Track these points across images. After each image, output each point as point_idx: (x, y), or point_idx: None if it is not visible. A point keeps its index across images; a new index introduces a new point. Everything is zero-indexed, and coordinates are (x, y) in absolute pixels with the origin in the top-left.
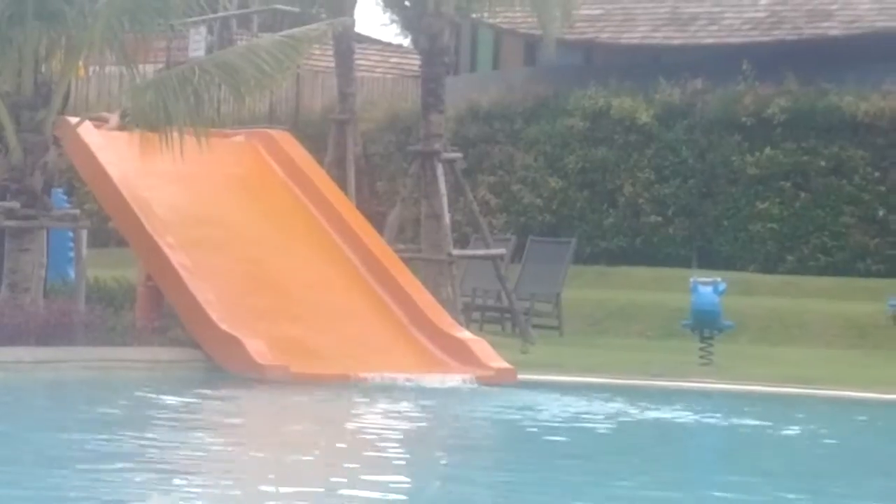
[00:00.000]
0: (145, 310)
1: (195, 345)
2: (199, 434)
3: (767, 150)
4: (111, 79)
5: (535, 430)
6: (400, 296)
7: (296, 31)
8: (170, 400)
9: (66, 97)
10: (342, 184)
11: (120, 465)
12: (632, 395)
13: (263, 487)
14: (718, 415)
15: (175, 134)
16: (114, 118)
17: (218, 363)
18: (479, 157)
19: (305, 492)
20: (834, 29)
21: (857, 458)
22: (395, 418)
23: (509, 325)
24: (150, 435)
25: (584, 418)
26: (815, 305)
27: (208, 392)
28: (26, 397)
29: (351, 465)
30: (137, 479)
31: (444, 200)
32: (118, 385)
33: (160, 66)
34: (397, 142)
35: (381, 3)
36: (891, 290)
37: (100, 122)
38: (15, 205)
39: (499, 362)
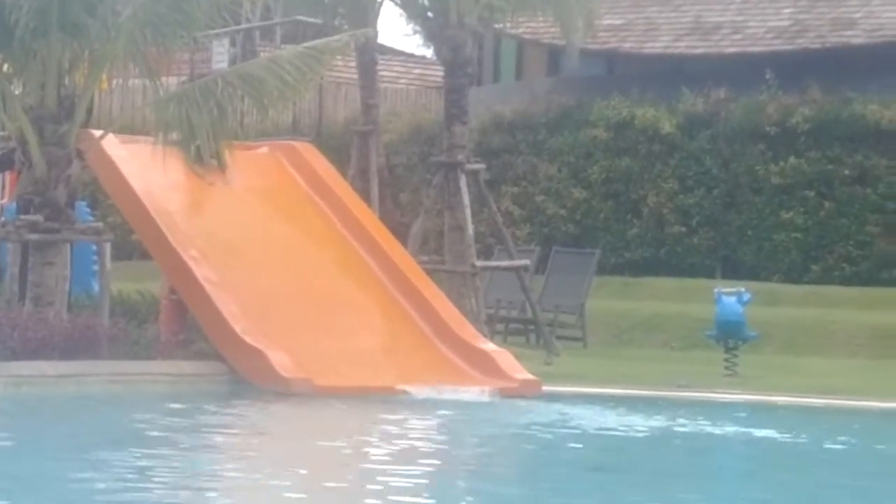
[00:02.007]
0: (169, 323)
1: (219, 358)
2: (224, 449)
3: (791, 160)
4: (134, 91)
5: (562, 442)
6: (424, 307)
7: (318, 42)
8: (194, 413)
9: (90, 110)
10: (365, 195)
11: (148, 482)
12: (657, 406)
13: None
14: (745, 426)
15: (198, 146)
16: None
17: (242, 376)
18: (503, 167)
19: None
20: (857, 37)
21: (889, 469)
22: (420, 431)
23: (533, 337)
24: (173, 450)
25: (610, 430)
26: (841, 315)
27: (232, 405)
28: (50, 411)
29: (380, 483)
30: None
31: (468, 211)
32: (142, 399)
33: (183, 78)
34: (420, 153)
35: (404, 15)
36: None
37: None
38: (38, 218)
39: (523, 374)
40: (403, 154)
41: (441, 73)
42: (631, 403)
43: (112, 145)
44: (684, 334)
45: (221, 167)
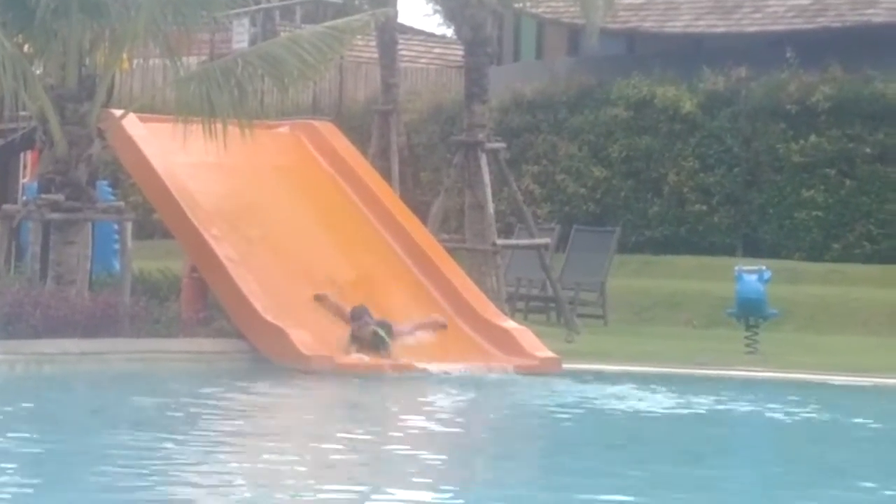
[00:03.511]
0: (190, 301)
1: (240, 336)
2: (246, 426)
3: (812, 138)
4: (155, 71)
5: (583, 419)
6: (444, 286)
7: (339, 21)
8: (215, 390)
9: (111, 90)
10: (386, 174)
11: (164, 460)
12: (677, 383)
13: (318, 486)
14: (765, 403)
15: (219, 125)
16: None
17: (263, 354)
18: (523, 146)
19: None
20: (878, 16)
21: None
22: (438, 409)
23: (554, 315)
24: (193, 428)
25: (630, 407)
26: (861, 293)
27: (253, 382)
28: (72, 389)
29: (399, 461)
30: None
31: (488, 190)
32: (163, 376)
33: (204, 58)
34: (441, 132)
35: None
36: None
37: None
38: (60, 197)
39: (544, 352)
40: (424, 133)
41: (461, 53)
42: (652, 381)
43: (133, 125)
44: (705, 312)
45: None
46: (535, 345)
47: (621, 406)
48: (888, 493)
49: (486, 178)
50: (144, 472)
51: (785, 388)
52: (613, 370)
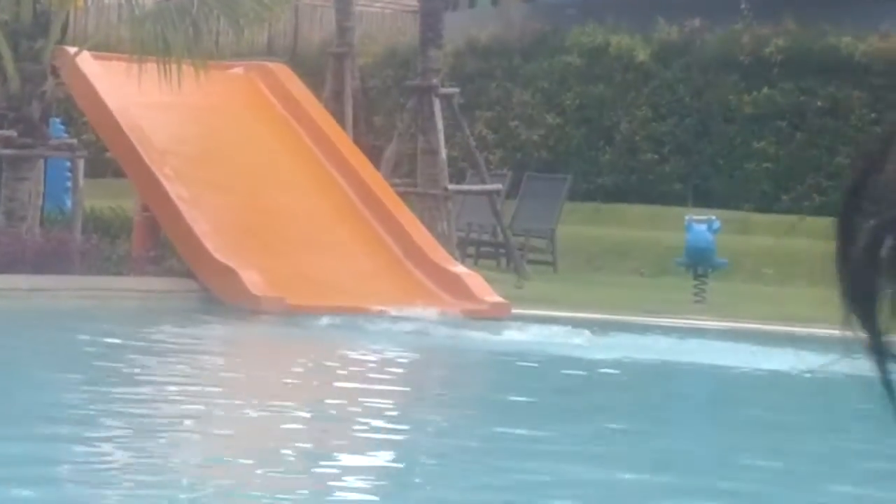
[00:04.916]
0: (141, 240)
1: (190, 275)
2: (188, 365)
3: (765, 90)
4: (110, 9)
5: (529, 363)
6: (396, 230)
7: None
8: (161, 328)
9: (65, 27)
10: (339, 118)
11: (107, 399)
12: (625, 331)
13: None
14: (710, 352)
15: (173, 65)
16: None
17: (213, 294)
18: (477, 92)
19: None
20: None
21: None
22: (390, 350)
23: (504, 261)
24: (136, 366)
25: (576, 354)
26: (810, 245)
27: (201, 322)
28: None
29: (340, 405)
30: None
31: (441, 135)
32: (112, 313)
33: None
34: (395, 76)
35: None
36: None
37: None
38: (12, 133)
39: (493, 297)
40: (378, 77)
41: None
42: (599, 328)
43: (87, 62)
44: (654, 261)
45: None
46: (484, 290)
47: (566, 352)
48: (840, 444)
49: (440, 123)
50: (74, 409)
51: (730, 336)
52: (562, 316)
